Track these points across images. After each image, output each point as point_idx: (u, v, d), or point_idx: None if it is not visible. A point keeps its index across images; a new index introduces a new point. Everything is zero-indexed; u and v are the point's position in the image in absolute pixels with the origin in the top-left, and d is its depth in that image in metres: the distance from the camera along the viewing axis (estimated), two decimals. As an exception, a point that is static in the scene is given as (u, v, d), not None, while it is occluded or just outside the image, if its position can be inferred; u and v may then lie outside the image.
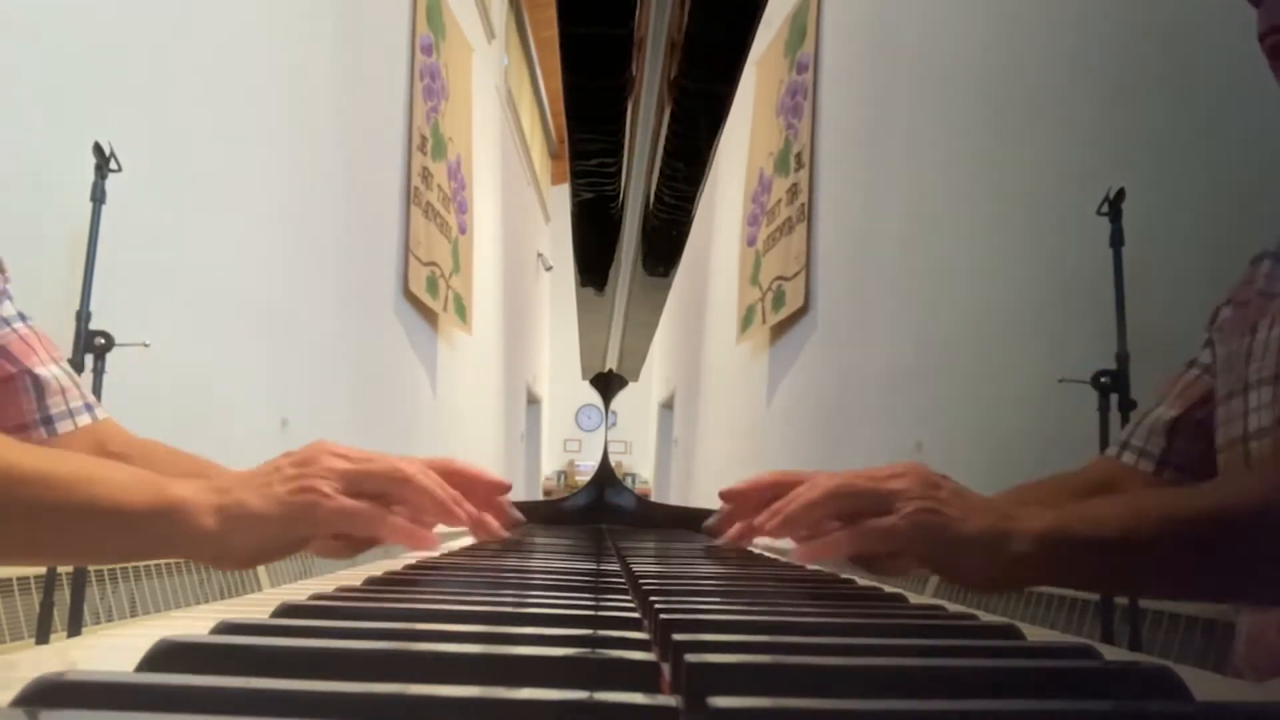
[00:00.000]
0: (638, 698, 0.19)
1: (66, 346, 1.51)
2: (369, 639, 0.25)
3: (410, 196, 3.80)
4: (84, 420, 0.75)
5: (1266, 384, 0.63)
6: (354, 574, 0.52)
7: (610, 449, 1.08)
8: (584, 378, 1.12)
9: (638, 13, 0.39)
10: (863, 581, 0.53)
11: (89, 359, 1.53)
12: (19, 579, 1.52)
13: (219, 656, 0.23)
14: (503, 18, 6.75)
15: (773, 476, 0.66)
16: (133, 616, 1.79)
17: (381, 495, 0.55)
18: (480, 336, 5.50)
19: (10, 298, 0.74)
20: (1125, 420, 1.45)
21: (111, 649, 0.29)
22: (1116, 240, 1.56)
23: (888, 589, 0.48)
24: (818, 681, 0.23)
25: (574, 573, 0.45)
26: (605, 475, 1.00)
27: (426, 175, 4.01)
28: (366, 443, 0.57)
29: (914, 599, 0.44)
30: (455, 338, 4.77)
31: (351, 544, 0.58)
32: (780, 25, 4.23)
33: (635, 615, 0.31)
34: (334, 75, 3.04)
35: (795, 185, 3.83)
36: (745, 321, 4.49)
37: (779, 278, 3.92)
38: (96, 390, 1.52)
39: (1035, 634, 0.34)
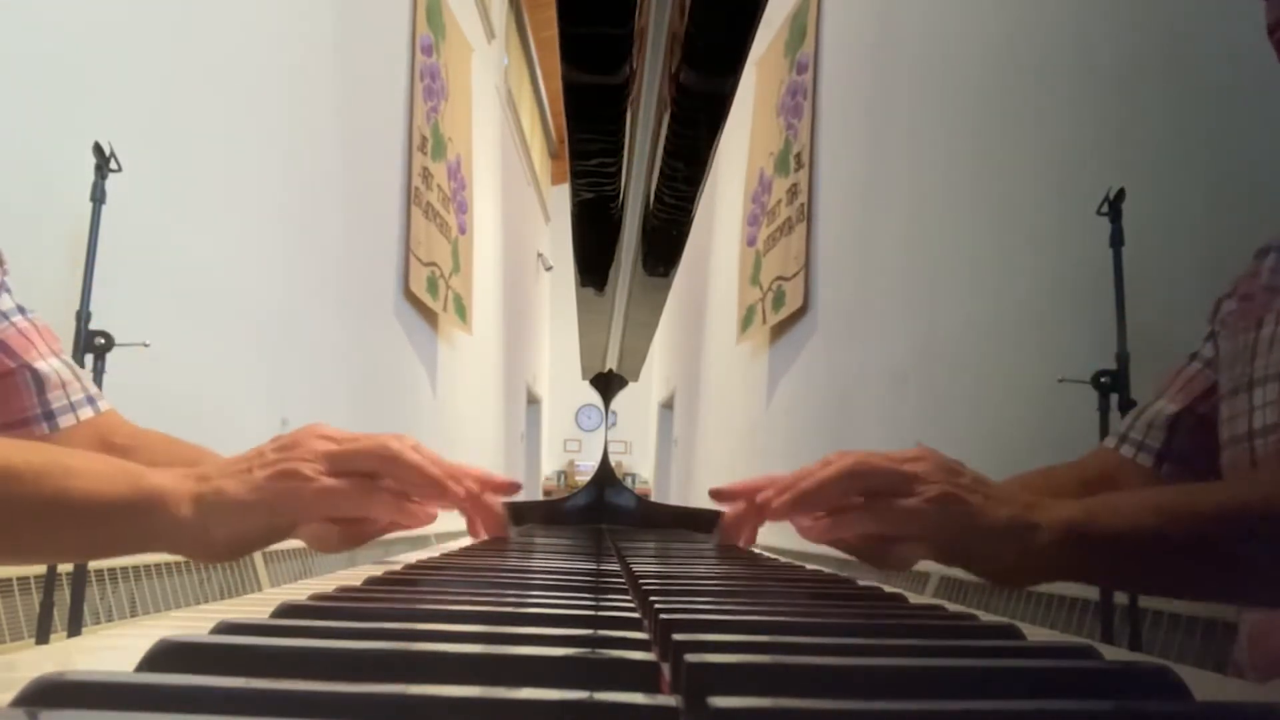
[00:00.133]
0: (638, 698, 0.19)
1: (66, 347, 1.51)
2: (369, 639, 0.25)
3: (411, 197, 3.80)
4: (86, 413, 0.75)
5: (1272, 380, 0.63)
6: (354, 574, 0.52)
7: (610, 449, 1.08)
8: (584, 378, 1.12)
9: (638, 12, 0.39)
10: (863, 581, 0.53)
11: (89, 359, 1.52)
12: (19, 579, 1.52)
13: (219, 656, 0.23)
14: (503, 18, 6.75)
15: (767, 482, 0.66)
16: (133, 616, 1.79)
17: (369, 475, 0.54)
18: (480, 336, 5.50)
19: (9, 290, 0.73)
20: (1125, 420, 1.45)
21: (111, 649, 0.29)
22: (1116, 240, 1.56)
23: (888, 589, 0.48)
24: (818, 681, 0.23)
25: (574, 573, 0.45)
26: (605, 475, 1.00)
27: (426, 175, 4.01)
28: (366, 443, 0.56)
29: (914, 599, 0.44)
30: (455, 338, 4.77)
31: (347, 532, 0.55)
32: (780, 25, 4.23)
33: (635, 615, 0.31)
34: (334, 75, 3.04)
35: (795, 185, 3.83)
36: (745, 322, 4.49)
37: (779, 278, 3.92)
38: (96, 390, 1.52)
39: (1035, 634, 0.34)
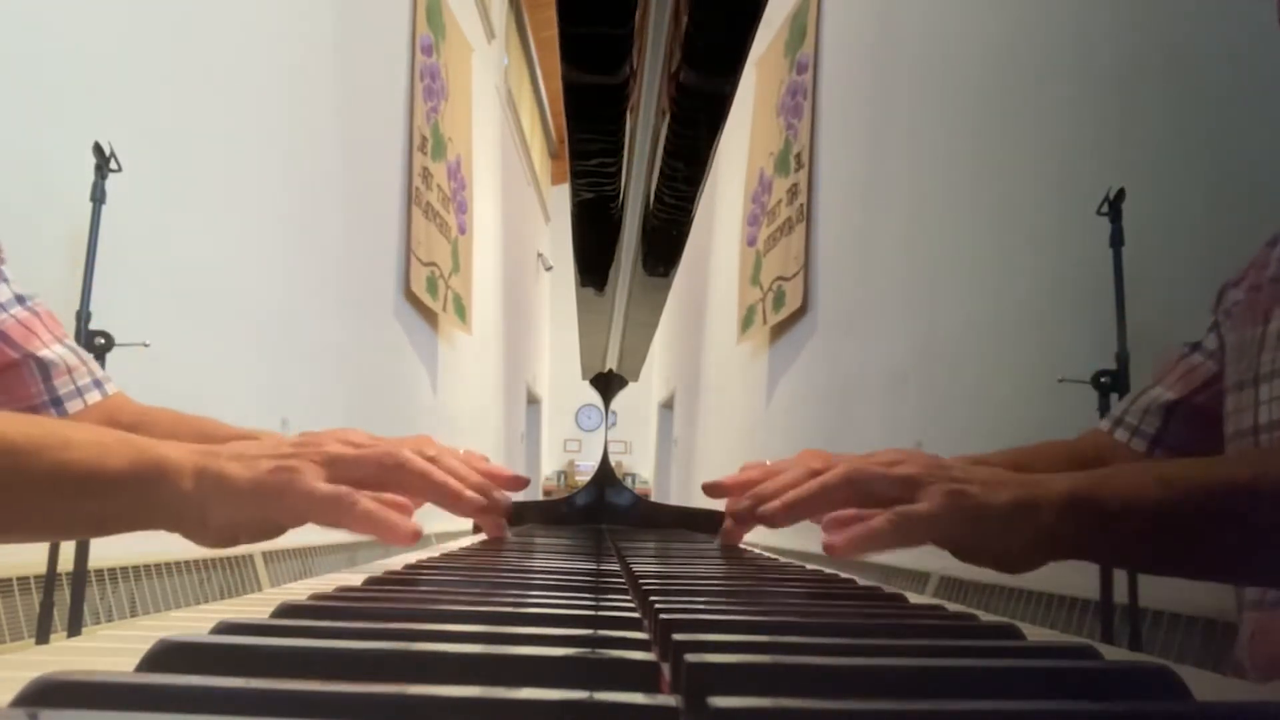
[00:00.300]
0: (638, 698, 0.19)
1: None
2: (369, 639, 0.25)
3: (411, 197, 3.81)
4: (93, 397, 0.75)
5: None
6: (354, 574, 0.52)
7: (610, 449, 1.08)
8: (584, 378, 1.12)
9: (638, 12, 0.39)
10: (863, 581, 0.53)
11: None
12: (19, 579, 1.52)
13: (219, 656, 0.23)
14: (503, 18, 6.75)
15: (760, 472, 0.66)
16: (133, 616, 1.79)
17: (373, 482, 0.53)
18: (480, 336, 5.51)
19: (7, 280, 0.73)
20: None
21: (111, 649, 0.29)
22: (1116, 240, 1.56)
23: (888, 589, 0.48)
24: (818, 681, 0.22)
25: (574, 573, 0.45)
26: (605, 475, 1.00)
27: (426, 175, 4.01)
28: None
29: (914, 599, 0.44)
30: (455, 338, 4.77)
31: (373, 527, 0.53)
32: (780, 25, 4.23)
33: (635, 615, 0.31)
34: (334, 75, 3.04)
35: (795, 185, 3.83)
36: (746, 322, 4.49)
37: (779, 278, 3.93)
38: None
39: (1035, 634, 0.34)
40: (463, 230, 4.74)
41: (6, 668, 0.24)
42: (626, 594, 0.38)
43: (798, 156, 3.82)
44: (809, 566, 0.65)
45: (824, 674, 0.23)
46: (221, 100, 2.24)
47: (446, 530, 2.84)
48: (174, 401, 0.78)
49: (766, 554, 0.73)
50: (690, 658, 0.22)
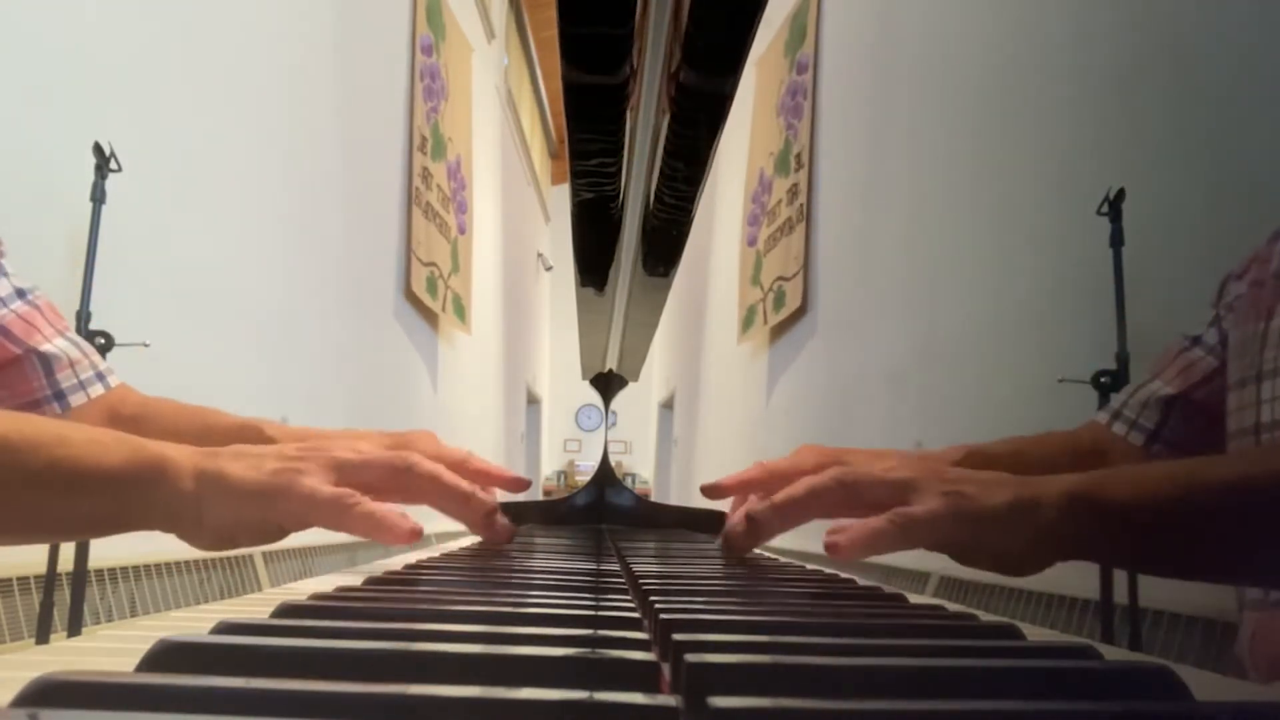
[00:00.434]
0: (638, 698, 0.19)
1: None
2: (369, 639, 0.25)
3: (411, 197, 3.81)
4: (96, 390, 0.74)
5: None
6: (354, 574, 0.52)
7: (610, 449, 1.08)
8: (584, 378, 1.12)
9: (638, 12, 0.39)
10: (863, 581, 0.53)
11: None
12: (19, 579, 1.52)
13: (219, 656, 0.23)
14: (503, 18, 6.75)
15: (759, 474, 0.65)
16: (133, 616, 1.79)
17: (381, 486, 0.53)
18: (480, 336, 5.51)
19: (7, 273, 0.72)
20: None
21: (111, 649, 0.29)
22: (1116, 240, 1.56)
23: (888, 589, 0.48)
24: (818, 681, 0.23)
25: (574, 573, 0.45)
26: (605, 475, 1.00)
27: (426, 175, 4.01)
28: (366, 443, 0.56)
29: (914, 599, 0.44)
30: (455, 338, 4.77)
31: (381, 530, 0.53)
32: (780, 25, 4.23)
33: (635, 615, 0.31)
34: (334, 75, 3.04)
35: (795, 185, 3.83)
36: (746, 322, 4.49)
37: (780, 278, 3.93)
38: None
39: (1035, 634, 0.34)
40: (462, 230, 4.74)
41: (6, 668, 0.24)
42: (626, 594, 0.38)
43: (798, 156, 3.82)
44: (809, 566, 0.65)
45: (824, 674, 0.23)
46: (221, 100, 2.24)
47: (446, 530, 2.84)
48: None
49: (766, 554, 0.73)
50: (690, 658, 0.22)
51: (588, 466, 11.01)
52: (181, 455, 0.48)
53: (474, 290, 5.01)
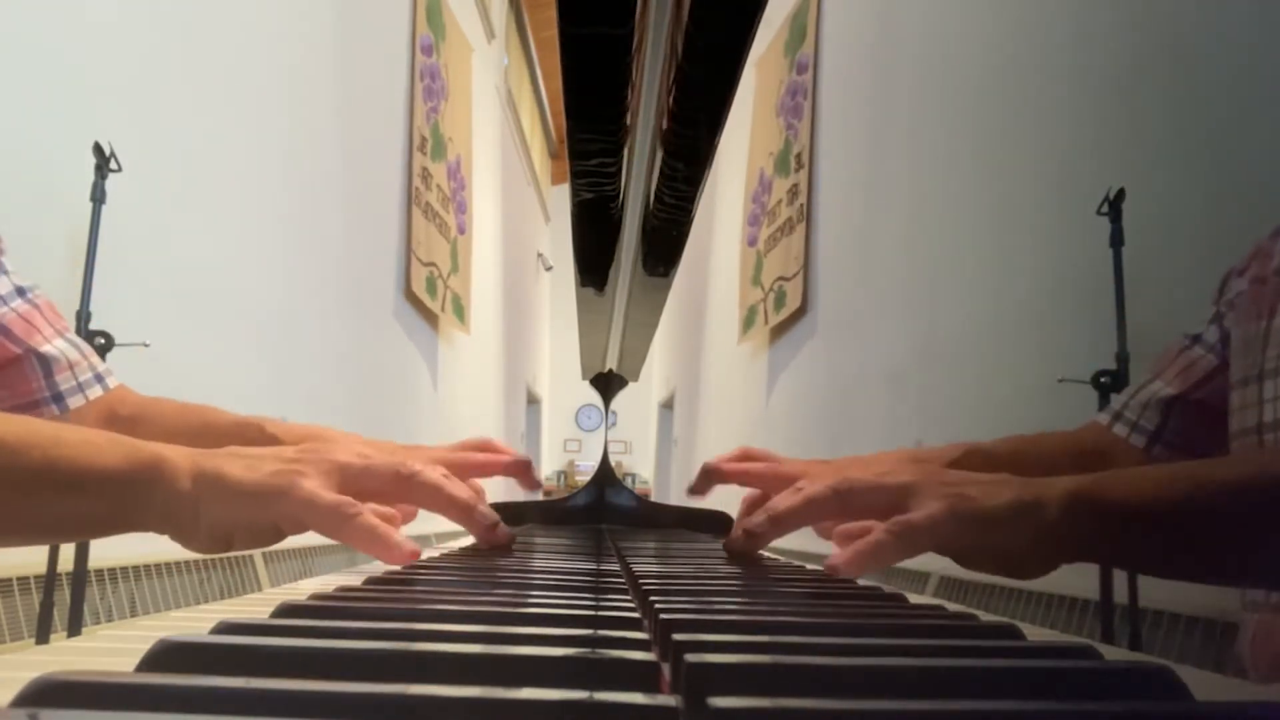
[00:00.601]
0: (638, 698, 0.19)
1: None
2: (369, 639, 0.25)
3: (411, 197, 3.81)
4: (95, 392, 0.74)
5: None
6: (354, 574, 0.52)
7: (610, 449, 1.08)
8: (584, 378, 1.12)
9: (638, 12, 0.39)
10: (863, 581, 0.52)
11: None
12: (19, 579, 1.52)
13: (219, 656, 0.23)
14: (503, 18, 6.75)
15: (764, 467, 0.65)
16: (133, 616, 1.79)
17: (383, 493, 0.52)
18: (480, 336, 5.51)
19: (7, 271, 0.72)
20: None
21: (111, 649, 0.29)
22: (1116, 240, 1.56)
23: (888, 589, 0.48)
24: (818, 681, 0.22)
25: (574, 573, 0.45)
26: (605, 475, 1.00)
27: (426, 176, 4.01)
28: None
29: (914, 599, 0.44)
30: (455, 338, 4.77)
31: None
32: (780, 25, 4.23)
33: (635, 615, 0.31)
34: (334, 75, 3.04)
35: (795, 186, 3.83)
36: (747, 322, 4.49)
37: (780, 278, 3.93)
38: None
39: (1035, 634, 0.34)
40: (462, 230, 4.74)
41: (6, 668, 0.24)
42: (626, 594, 0.38)
43: (798, 157, 3.82)
44: (809, 566, 0.65)
45: (824, 674, 0.23)
46: (221, 100, 2.24)
47: (446, 530, 2.84)
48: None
49: (767, 554, 0.73)
50: (690, 658, 0.22)
51: (588, 466, 11.01)
52: (178, 456, 0.47)
53: (474, 290, 5.01)
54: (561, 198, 10.09)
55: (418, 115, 3.90)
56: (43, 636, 1.46)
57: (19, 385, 0.71)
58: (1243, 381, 0.67)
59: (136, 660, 0.23)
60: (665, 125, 0.50)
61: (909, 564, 2.36)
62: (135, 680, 0.20)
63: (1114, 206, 1.57)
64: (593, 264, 0.73)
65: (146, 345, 1.64)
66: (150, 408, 0.75)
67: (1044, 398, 1.75)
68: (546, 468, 11.36)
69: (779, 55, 4.25)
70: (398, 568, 0.50)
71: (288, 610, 0.31)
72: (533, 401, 9.40)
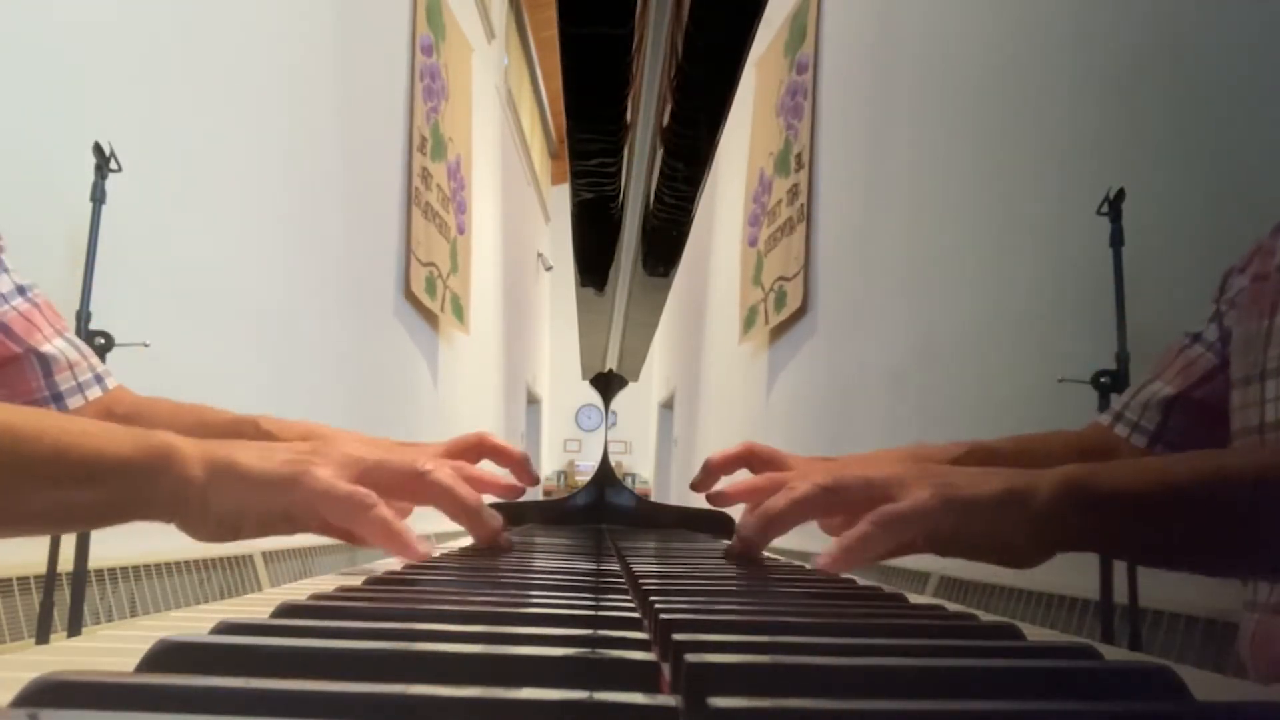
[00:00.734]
0: (638, 698, 0.19)
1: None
2: (369, 639, 0.25)
3: (411, 197, 3.81)
4: (94, 393, 0.74)
5: None
6: (354, 574, 0.52)
7: (610, 449, 1.08)
8: (584, 378, 1.12)
9: (638, 12, 0.39)
10: (863, 581, 0.53)
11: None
12: (19, 579, 1.52)
13: (219, 656, 0.23)
14: (503, 18, 6.75)
15: (765, 480, 0.65)
16: (133, 616, 1.79)
17: (392, 488, 0.53)
18: (480, 336, 5.51)
19: (7, 269, 0.72)
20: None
21: (111, 649, 0.29)
22: (1116, 240, 1.56)
23: (888, 589, 0.48)
24: (818, 681, 0.23)
25: (574, 573, 0.45)
26: (605, 475, 1.00)
27: (426, 176, 4.01)
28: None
29: (914, 599, 0.44)
30: (455, 338, 4.77)
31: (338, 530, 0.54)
32: (780, 25, 4.23)
33: (635, 615, 0.31)
34: (334, 75, 3.04)
35: (795, 186, 3.83)
36: (748, 322, 4.49)
37: (780, 278, 3.93)
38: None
39: (1035, 634, 0.34)
40: (461, 230, 4.74)
41: (6, 668, 0.24)
42: (626, 594, 0.38)
43: (798, 157, 3.82)
44: (809, 566, 0.65)
45: (824, 674, 0.23)
46: (221, 100, 2.24)
47: (446, 530, 2.84)
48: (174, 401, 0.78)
49: (767, 554, 0.73)
50: (690, 658, 0.22)
51: (588, 466, 11.01)
52: (188, 444, 0.47)
53: (474, 290, 5.01)
54: (561, 198, 10.09)
55: (418, 115, 3.90)
56: (43, 636, 1.46)
57: (18, 384, 0.71)
58: (1244, 380, 0.67)
59: (136, 660, 0.23)
60: (665, 125, 0.50)
61: (909, 564, 2.36)
62: (135, 680, 0.20)
63: (1114, 206, 1.57)
64: (593, 264, 0.73)
65: (146, 345, 1.64)
66: (146, 407, 0.75)
67: (1044, 398, 1.75)
68: (546, 468, 11.35)
69: (779, 55, 4.25)
70: (398, 568, 0.50)
71: (288, 610, 0.31)
72: (533, 401, 9.40)
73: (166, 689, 0.19)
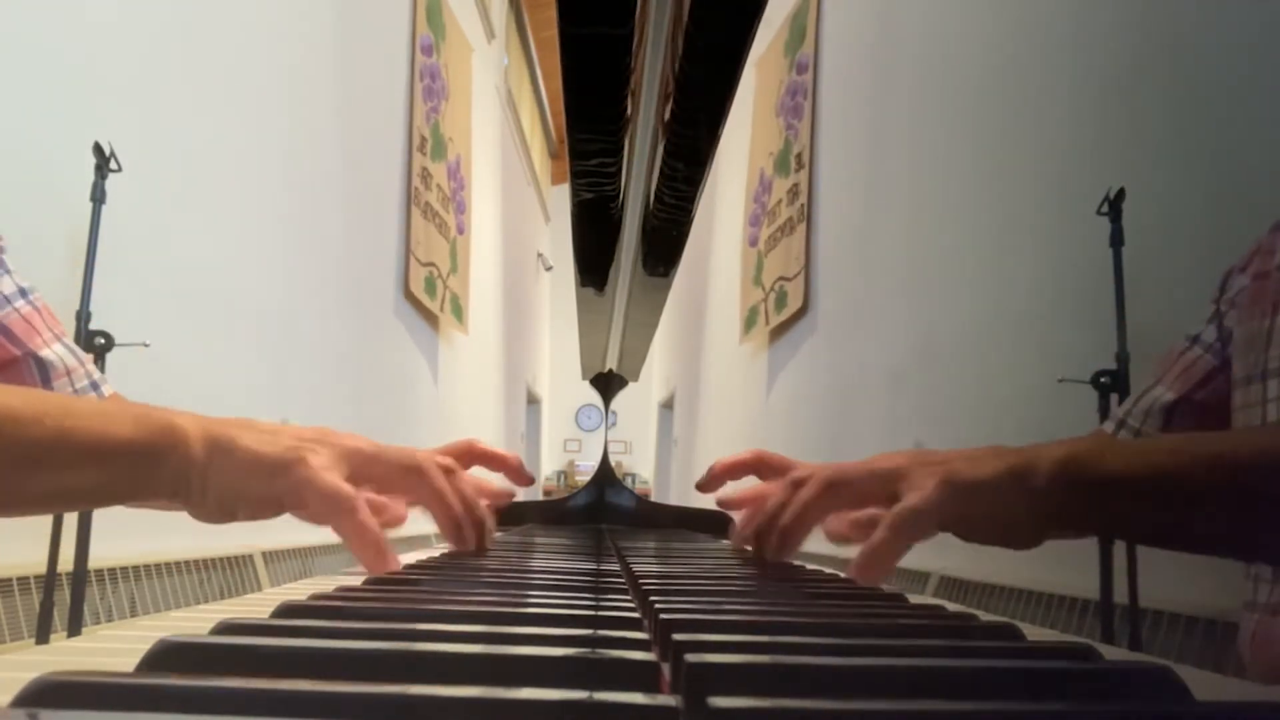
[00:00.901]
0: (638, 698, 0.19)
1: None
2: (369, 639, 0.25)
3: (410, 197, 3.81)
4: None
5: None
6: (354, 574, 0.52)
7: (610, 449, 1.08)
8: (584, 378, 1.12)
9: (638, 12, 0.39)
10: (862, 581, 0.52)
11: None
12: (19, 579, 1.52)
13: (219, 656, 0.23)
14: (503, 18, 6.75)
15: (772, 488, 0.65)
16: (133, 616, 1.79)
17: (386, 481, 0.53)
18: (480, 336, 5.51)
19: (9, 271, 0.72)
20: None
21: (111, 649, 0.29)
22: (1116, 240, 1.56)
23: (888, 589, 0.48)
24: (818, 681, 0.23)
25: (574, 573, 0.45)
26: (605, 475, 1.00)
27: (426, 176, 4.01)
28: (366, 443, 0.56)
29: (914, 599, 0.44)
30: (455, 338, 4.77)
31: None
32: (780, 25, 4.23)
33: (635, 615, 0.31)
34: (334, 75, 3.04)
35: (795, 186, 3.83)
36: (748, 322, 4.49)
37: (781, 278, 3.93)
38: (96, 390, 1.53)
39: (1035, 634, 0.34)
40: (461, 230, 4.74)
41: (6, 668, 0.24)
42: (626, 594, 0.38)
43: (798, 157, 3.82)
44: (809, 566, 0.65)
45: (824, 674, 0.23)
46: (221, 100, 2.24)
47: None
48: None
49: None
50: (690, 658, 0.22)
51: (588, 466, 11.01)
52: (190, 422, 0.47)
53: (473, 290, 5.01)
54: (561, 198, 10.08)
55: (417, 115, 3.90)
56: (43, 636, 1.46)
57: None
58: (1245, 380, 0.67)
59: (136, 660, 0.23)
60: (665, 125, 0.50)
61: (909, 564, 2.36)
62: (135, 680, 0.20)
63: (1114, 206, 1.57)
64: (593, 264, 0.73)
65: (146, 345, 1.64)
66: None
67: (1044, 398, 1.75)
68: (546, 468, 11.35)
69: (779, 55, 4.25)
70: (398, 568, 0.50)
71: (288, 610, 0.31)
72: (533, 401, 9.40)
73: (166, 689, 0.19)
